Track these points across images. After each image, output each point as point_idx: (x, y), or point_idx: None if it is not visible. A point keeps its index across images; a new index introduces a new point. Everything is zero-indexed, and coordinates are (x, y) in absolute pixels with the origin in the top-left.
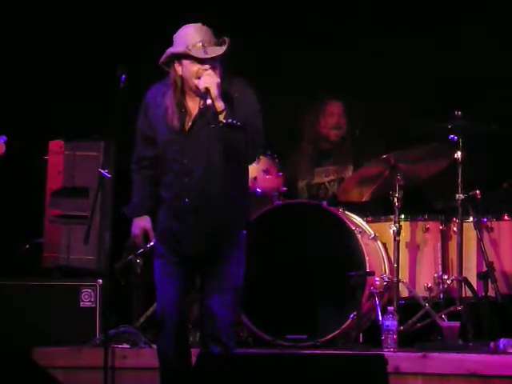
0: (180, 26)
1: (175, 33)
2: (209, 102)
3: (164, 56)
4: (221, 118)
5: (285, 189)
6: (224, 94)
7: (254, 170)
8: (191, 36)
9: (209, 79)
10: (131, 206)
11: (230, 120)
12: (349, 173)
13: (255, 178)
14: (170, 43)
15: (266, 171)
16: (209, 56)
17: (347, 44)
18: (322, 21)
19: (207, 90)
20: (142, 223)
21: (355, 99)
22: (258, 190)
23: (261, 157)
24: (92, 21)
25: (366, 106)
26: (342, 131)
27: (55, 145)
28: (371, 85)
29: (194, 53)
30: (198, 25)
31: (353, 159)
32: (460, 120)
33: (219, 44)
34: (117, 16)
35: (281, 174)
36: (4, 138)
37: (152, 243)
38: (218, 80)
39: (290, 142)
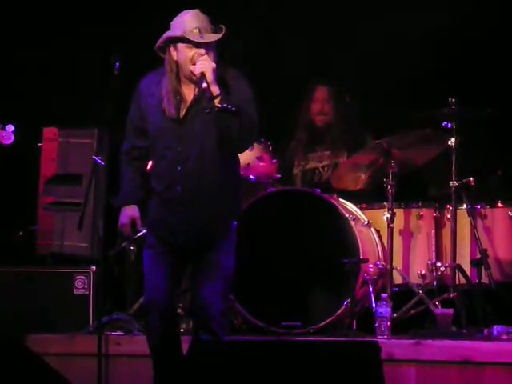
0: (177, 14)
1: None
2: (204, 85)
3: (160, 40)
4: (216, 102)
5: (279, 176)
6: (219, 80)
7: (247, 156)
8: (188, 22)
9: (204, 64)
10: (120, 196)
11: (224, 105)
12: (343, 159)
13: (248, 165)
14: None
15: (260, 158)
16: (204, 40)
17: (342, 28)
18: (319, 5)
19: (203, 74)
20: (129, 212)
21: (346, 85)
22: (251, 176)
23: (254, 144)
24: (89, 8)
25: (359, 93)
26: (328, 117)
27: (49, 132)
28: (366, 72)
29: (190, 37)
30: (196, 11)
31: (346, 146)
32: (454, 106)
33: (216, 31)
34: (115, 5)
35: (275, 160)
36: (12, 126)
37: (144, 231)
38: (214, 65)
39: (287, 130)
